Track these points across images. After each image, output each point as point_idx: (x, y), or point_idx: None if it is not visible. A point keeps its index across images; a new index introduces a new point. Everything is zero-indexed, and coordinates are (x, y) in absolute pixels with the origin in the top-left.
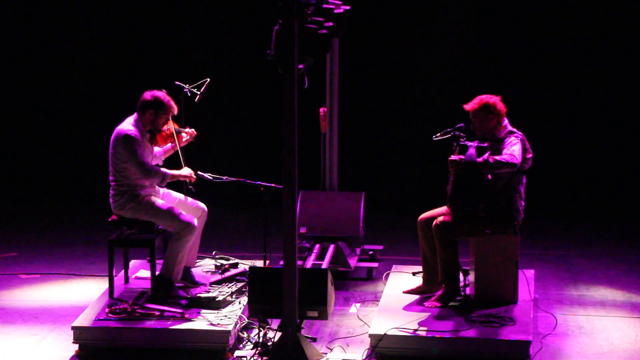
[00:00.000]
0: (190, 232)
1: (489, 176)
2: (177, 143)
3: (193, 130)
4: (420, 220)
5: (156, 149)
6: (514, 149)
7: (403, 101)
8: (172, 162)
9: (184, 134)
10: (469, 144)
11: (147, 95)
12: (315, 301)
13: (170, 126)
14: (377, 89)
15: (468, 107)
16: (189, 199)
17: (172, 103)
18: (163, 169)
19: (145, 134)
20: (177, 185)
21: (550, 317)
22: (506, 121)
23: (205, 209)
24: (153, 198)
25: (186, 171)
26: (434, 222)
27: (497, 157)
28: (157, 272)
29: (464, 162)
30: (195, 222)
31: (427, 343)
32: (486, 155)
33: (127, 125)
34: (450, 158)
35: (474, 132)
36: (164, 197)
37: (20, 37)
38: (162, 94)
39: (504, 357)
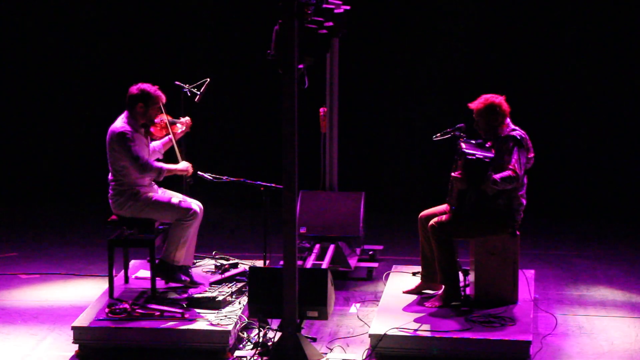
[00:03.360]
0: (191, 216)
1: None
2: (171, 134)
3: (188, 119)
4: (420, 217)
5: (155, 143)
6: (513, 161)
7: (403, 101)
8: (169, 158)
9: (178, 125)
10: (468, 149)
11: (133, 89)
12: (315, 301)
13: (164, 117)
14: (377, 88)
15: (473, 105)
16: (187, 198)
17: (160, 92)
18: (159, 164)
19: (139, 128)
20: (176, 182)
21: (550, 317)
22: (508, 120)
23: (201, 207)
24: (151, 194)
25: (183, 165)
26: (430, 223)
27: (502, 175)
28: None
29: (468, 177)
30: (196, 207)
31: (427, 343)
32: (490, 171)
33: (120, 123)
34: (452, 175)
35: (477, 130)
36: (162, 194)
37: (19, 37)
38: (147, 85)
39: (504, 357)
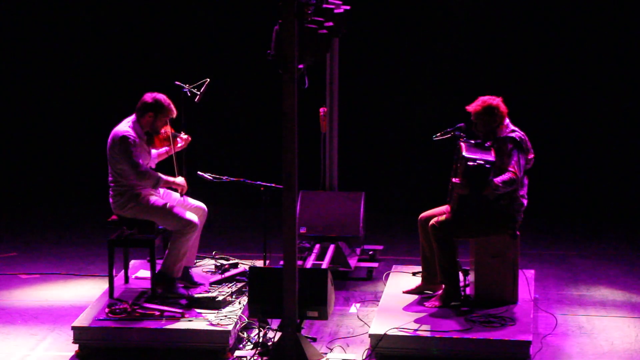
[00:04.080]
0: (191, 229)
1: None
2: (172, 147)
3: (188, 136)
4: (420, 218)
5: (152, 151)
6: (512, 163)
7: (403, 101)
8: (166, 167)
9: (178, 139)
10: (468, 153)
11: (148, 97)
12: (315, 301)
13: (168, 129)
14: (377, 89)
15: (470, 108)
16: (189, 198)
17: (172, 106)
18: (157, 173)
19: (143, 136)
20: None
21: (550, 317)
22: (507, 120)
23: (205, 208)
24: (153, 198)
25: (180, 179)
26: (430, 223)
27: (503, 179)
28: (157, 271)
29: (468, 183)
30: (196, 219)
31: (427, 343)
32: (492, 176)
33: (124, 126)
34: (453, 180)
35: (476, 132)
36: (164, 197)
37: (19, 38)
38: (162, 97)
39: (504, 357)
